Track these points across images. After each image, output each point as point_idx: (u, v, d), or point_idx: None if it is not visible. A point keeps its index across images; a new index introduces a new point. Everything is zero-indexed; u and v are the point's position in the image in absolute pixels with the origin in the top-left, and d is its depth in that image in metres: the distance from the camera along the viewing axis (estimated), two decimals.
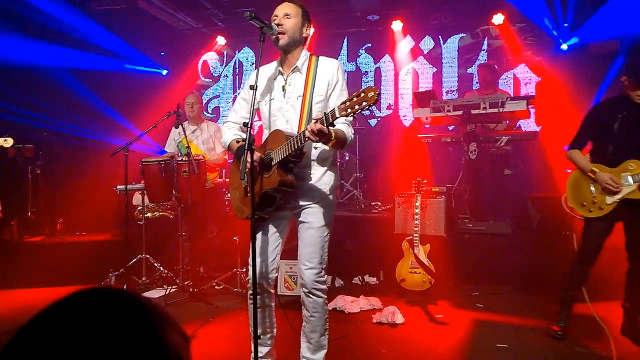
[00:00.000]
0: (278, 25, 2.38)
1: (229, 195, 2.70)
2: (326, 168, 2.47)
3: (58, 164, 6.14)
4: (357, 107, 1.99)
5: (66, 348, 0.60)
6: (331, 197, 2.50)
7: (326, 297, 2.48)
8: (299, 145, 2.19)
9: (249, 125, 2.23)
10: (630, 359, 2.91)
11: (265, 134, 2.51)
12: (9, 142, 3.90)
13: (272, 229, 2.52)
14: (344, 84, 2.46)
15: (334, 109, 2.06)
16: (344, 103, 2.03)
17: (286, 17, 2.39)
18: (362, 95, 1.98)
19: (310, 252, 2.42)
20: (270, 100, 2.49)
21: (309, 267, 2.42)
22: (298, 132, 2.29)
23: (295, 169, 2.35)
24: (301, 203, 2.44)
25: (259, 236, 2.49)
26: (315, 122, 2.08)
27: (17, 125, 5.71)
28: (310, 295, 2.43)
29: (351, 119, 2.42)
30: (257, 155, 2.32)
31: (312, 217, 2.43)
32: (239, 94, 2.79)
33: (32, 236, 5.55)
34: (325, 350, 2.53)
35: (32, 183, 5.72)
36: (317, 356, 2.51)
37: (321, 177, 2.46)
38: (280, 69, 2.50)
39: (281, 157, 2.26)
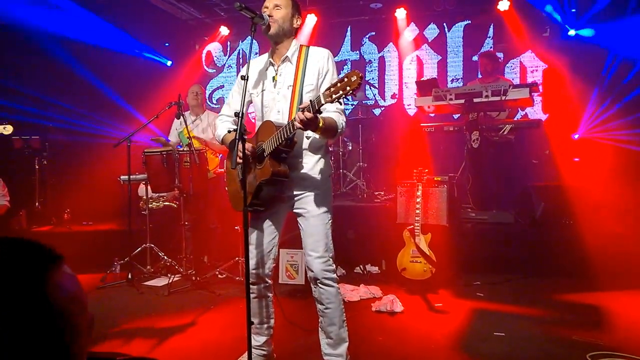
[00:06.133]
0: (268, 16, 2.38)
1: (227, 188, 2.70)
2: (319, 156, 2.47)
3: (64, 154, 6.24)
4: (341, 92, 2.00)
5: None
6: (326, 183, 2.50)
7: (338, 286, 2.44)
8: (289, 134, 2.20)
9: (240, 115, 2.24)
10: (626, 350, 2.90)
11: (258, 125, 2.52)
12: (8, 130, 3.91)
13: (267, 221, 2.52)
14: (334, 73, 2.45)
15: (319, 95, 2.07)
16: (328, 89, 2.04)
17: (276, 8, 2.39)
18: (345, 80, 1.99)
19: (314, 241, 2.40)
20: (262, 91, 2.49)
21: (315, 256, 2.39)
22: (288, 121, 2.29)
23: (288, 158, 2.35)
24: (295, 192, 2.44)
25: (255, 228, 2.51)
26: (302, 110, 2.08)
27: (23, 117, 5.78)
28: (322, 286, 2.40)
29: (342, 107, 2.43)
30: (248, 145, 2.33)
31: (310, 206, 2.42)
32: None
33: (39, 225, 5.68)
34: (347, 343, 2.48)
35: (39, 174, 5.84)
36: (339, 350, 2.47)
37: (314, 166, 2.45)
38: (271, 59, 2.50)
39: (272, 148, 2.27)
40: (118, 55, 6.97)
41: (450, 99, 4.82)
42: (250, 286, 2.39)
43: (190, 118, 5.06)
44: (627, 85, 5.62)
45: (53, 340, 0.62)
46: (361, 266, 4.73)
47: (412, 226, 4.25)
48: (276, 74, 2.47)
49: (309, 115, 2.06)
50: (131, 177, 4.49)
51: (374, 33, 7.18)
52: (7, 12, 5.58)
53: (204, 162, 4.54)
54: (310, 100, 2.09)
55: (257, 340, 2.61)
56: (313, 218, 2.42)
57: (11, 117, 5.50)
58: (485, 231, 4.76)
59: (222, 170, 4.91)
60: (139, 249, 4.68)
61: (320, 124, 2.17)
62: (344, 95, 2.00)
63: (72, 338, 0.64)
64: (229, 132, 2.53)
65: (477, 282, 4.29)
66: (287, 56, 2.45)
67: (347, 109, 6.26)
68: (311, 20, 6.85)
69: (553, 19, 6.21)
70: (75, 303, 0.67)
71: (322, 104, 2.06)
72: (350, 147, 6.07)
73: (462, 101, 4.78)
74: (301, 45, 2.49)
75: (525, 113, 6.29)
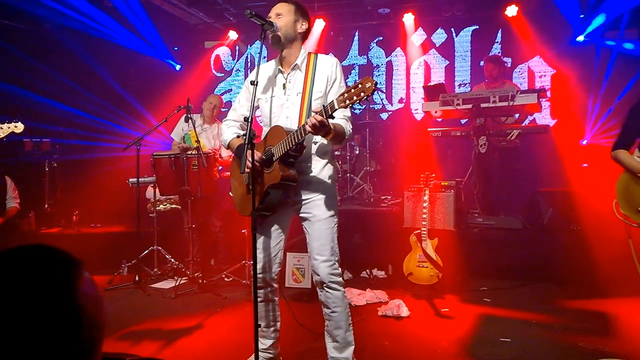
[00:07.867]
0: None
1: (231, 193, 2.70)
2: (326, 160, 2.49)
3: (74, 157, 6.30)
4: (354, 97, 2.02)
5: None
6: (333, 188, 2.52)
7: (344, 289, 2.47)
8: (299, 139, 2.22)
9: (250, 120, 2.26)
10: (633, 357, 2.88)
11: (264, 130, 2.53)
12: (19, 128, 3.90)
13: (274, 225, 2.54)
14: (342, 80, 2.48)
15: (332, 100, 2.09)
16: (342, 95, 2.07)
17: (278, 17, 2.42)
18: (360, 86, 2.01)
19: (320, 245, 2.42)
20: (271, 97, 2.52)
21: (321, 260, 2.41)
22: (298, 127, 2.31)
23: (296, 163, 2.37)
24: (303, 197, 2.45)
25: (261, 233, 2.52)
26: (315, 115, 2.11)
27: (34, 120, 5.85)
28: (328, 290, 2.42)
29: (349, 114, 2.45)
30: (257, 154, 2.33)
31: (316, 210, 2.43)
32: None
33: (48, 227, 5.73)
34: (353, 346, 2.50)
35: (49, 176, 5.91)
36: (345, 354, 2.48)
37: (321, 170, 2.47)
38: (280, 67, 2.52)
39: (282, 152, 2.28)
40: (127, 59, 7.04)
41: (458, 104, 4.82)
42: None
43: (199, 121, 5.09)
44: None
45: (82, 340, 0.72)
46: (368, 270, 4.74)
47: (418, 231, 4.25)
48: (286, 81, 2.49)
49: (319, 119, 2.09)
50: (140, 179, 4.53)
51: (381, 38, 7.21)
52: (19, 14, 5.68)
53: (212, 165, 4.57)
54: (324, 106, 2.12)
55: (264, 343, 2.62)
56: (319, 222, 2.43)
57: (22, 120, 5.57)
58: (493, 236, 4.74)
59: (228, 174, 4.93)
60: (147, 251, 4.72)
61: (332, 129, 2.20)
62: (358, 101, 2.02)
63: (95, 335, 0.75)
64: (238, 136, 2.55)
65: (484, 287, 4.28)
66: (296, 64, 2.48)
67: (354, 113, 6.26)
68: (319, 25, 6.89)
69: (562, 24, 6.19)
70: (96, 304, 0.76)
71: (336, 109, 2.08)
72: (357, 151, 6.08)
73: (470, 106, 4.78)
74: (309, 53, 2.52)
75: (534, 118, 6.27)
